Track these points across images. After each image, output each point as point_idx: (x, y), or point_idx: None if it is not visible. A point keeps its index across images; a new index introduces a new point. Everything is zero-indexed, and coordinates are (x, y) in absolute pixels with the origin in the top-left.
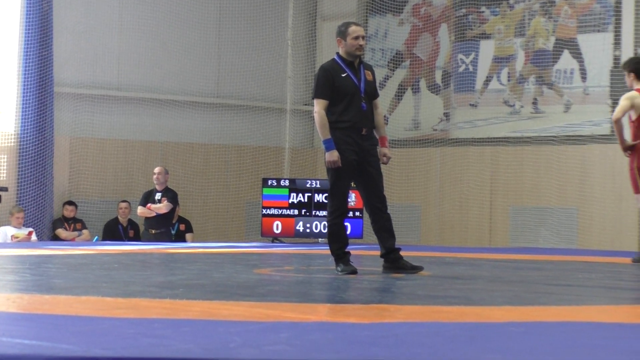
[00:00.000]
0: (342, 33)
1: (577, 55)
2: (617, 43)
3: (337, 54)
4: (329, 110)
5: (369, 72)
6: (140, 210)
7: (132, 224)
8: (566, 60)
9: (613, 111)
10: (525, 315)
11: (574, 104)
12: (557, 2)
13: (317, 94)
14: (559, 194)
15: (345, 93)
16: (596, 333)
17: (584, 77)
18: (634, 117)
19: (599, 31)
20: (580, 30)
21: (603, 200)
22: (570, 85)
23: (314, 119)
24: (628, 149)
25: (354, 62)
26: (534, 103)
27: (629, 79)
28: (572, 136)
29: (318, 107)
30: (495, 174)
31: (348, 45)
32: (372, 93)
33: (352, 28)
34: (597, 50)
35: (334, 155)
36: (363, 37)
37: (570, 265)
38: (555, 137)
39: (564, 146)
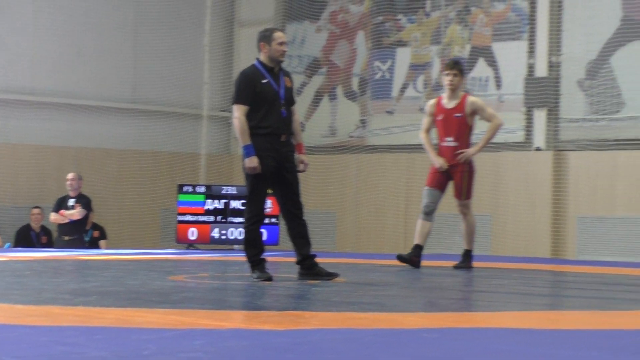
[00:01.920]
0: (266, 38)
1: (492, 63)
2: (531, 51)
3: (258, 59)
4: (248, 116)
5: (288, 79)
6: (53, 216)
7: (45, 230)
8: (481, 68)
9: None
10: (439, 321)
11: None
12: (472, 10)
13: (238, 100)
14: (473, 201)
15: (266, 99)
16: (509, 339)
17: (498, 84)
18: (473, 123)
19: (513, 39)
20: (495, 38)
21: (516, 207)
22: (485, 93)
23: (231, 125)
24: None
25: (275, 68)
26: None
27: (461, 81)
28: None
29: (238, 113)
30: (411, 180)
31: (273, 50)
32: (291, 100)
33: (277, 34)
34: (512, 58)
35: (253, 162)
36: (286, 44)
37: (483, 272)
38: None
39: (478, 153)
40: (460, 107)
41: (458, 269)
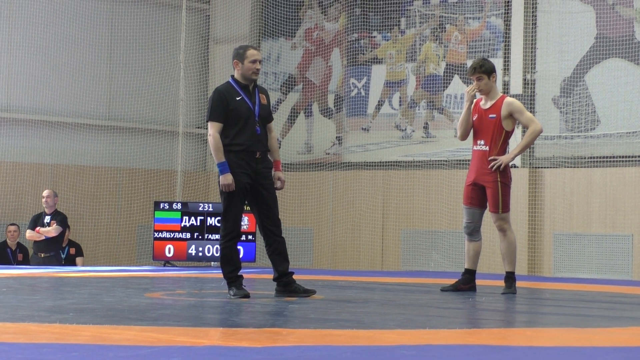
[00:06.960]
0: (239, 56)
1: (467, 80)
2: (506, 69)
3: (232, 76)
4: (222, 133)
5: (264, 96)
6: (29, 233)
7: (21, 247)
8: (456, 85)
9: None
10: (416, 338)
11: None
12: (447, 28)
13: (212, 117)
14: (449, 218)
15: (240, 116)
16: (487, 356)
17: None
18: (510, 127)
19: (488, 57)
20: (470, 55)
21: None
22: (461, 110)
23: (207, 142)
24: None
25: (249, 85)
26: (425, 127)
27: (490, 83)
28: (463, 160)
29: (212, 130)
30: (387, 197)
31: (245, 68)
32: (266, 117)
33: (251, 51)
34: None
35: (228, 179)
36: (260, 61)
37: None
38: (445, 161)
39: (455, 170)
40: (495, 107)
41: (505, 295)
